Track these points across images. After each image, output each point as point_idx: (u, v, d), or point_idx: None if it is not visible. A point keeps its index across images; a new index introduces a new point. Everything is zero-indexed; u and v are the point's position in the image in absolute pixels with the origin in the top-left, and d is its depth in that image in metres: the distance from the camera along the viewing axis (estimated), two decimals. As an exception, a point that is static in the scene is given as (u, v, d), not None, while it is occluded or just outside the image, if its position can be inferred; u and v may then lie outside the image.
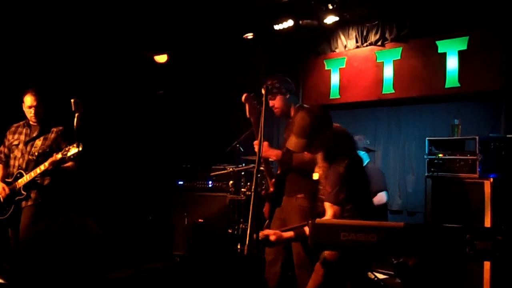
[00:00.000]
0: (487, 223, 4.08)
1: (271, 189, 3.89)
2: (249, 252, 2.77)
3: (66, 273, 1.46)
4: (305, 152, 3.23)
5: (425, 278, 2.85)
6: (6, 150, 4.33)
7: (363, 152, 5.43)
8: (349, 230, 2.09)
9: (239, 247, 5.28)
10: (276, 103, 3.86)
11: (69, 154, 3.82)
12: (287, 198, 3.74)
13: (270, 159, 3.86)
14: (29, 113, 4.22)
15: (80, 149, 3.77)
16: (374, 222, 2.11)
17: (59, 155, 3.87)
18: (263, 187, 5.52)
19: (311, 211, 3.42)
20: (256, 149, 3.65)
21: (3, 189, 4.12)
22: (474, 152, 4.34)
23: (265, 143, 3.70)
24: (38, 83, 4.44)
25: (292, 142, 3.12)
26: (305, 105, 3.86)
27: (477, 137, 4.39)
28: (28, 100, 4.18)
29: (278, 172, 3.89)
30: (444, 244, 2.05)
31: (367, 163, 5.43)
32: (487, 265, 4.02)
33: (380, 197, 5.10)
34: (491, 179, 4.16)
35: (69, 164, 4.09)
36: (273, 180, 3.90)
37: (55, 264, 1.45)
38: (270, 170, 3.98)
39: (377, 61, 5.93)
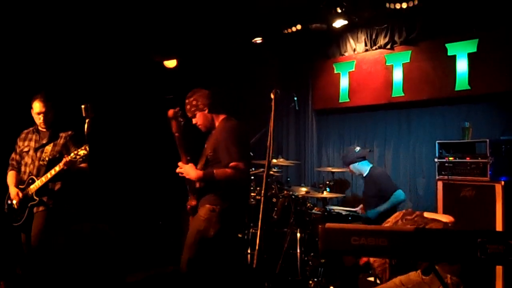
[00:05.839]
0: (499, 226, 4.05)
1: (193, 203, 3.89)
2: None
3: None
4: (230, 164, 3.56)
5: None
6: (17, 157, 4.36)
7: (363, 162, 5.41)
8: (360, 235, 2.08)
9: (249, 251, 5.28)
10: (198, 120, 3.94)
11: (79, 154, 3.86)
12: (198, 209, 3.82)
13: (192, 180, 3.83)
14: (38, 119, 4.24)
15: (87, 151, 3.81)
16: (385, 227, 2.10)
17: (69, 157, 3.90)
18: (273, 191, 5.54)
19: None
20: (179, 170, 3.85)
21: (17, 194, 4.16)
22: (485, 155, 4.32)
23: (190, 165, 3.83)
24: (47, 87, 4.45)
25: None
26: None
27: (488, 140, 4.37)
28: (37, 106, 4.20)
29: (197, 186, 3.89)
30: (455, 248, 2.03)
31: (371, 168, 5.41)
32: (499, 270, 4.00)
33: (398, 196, 5.08)
34: (502, 182, 4.14)
35: (81, 166, 4.14)
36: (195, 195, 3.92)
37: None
38: (191, 185, 3.95)
39: (387, 64, 5.92)
